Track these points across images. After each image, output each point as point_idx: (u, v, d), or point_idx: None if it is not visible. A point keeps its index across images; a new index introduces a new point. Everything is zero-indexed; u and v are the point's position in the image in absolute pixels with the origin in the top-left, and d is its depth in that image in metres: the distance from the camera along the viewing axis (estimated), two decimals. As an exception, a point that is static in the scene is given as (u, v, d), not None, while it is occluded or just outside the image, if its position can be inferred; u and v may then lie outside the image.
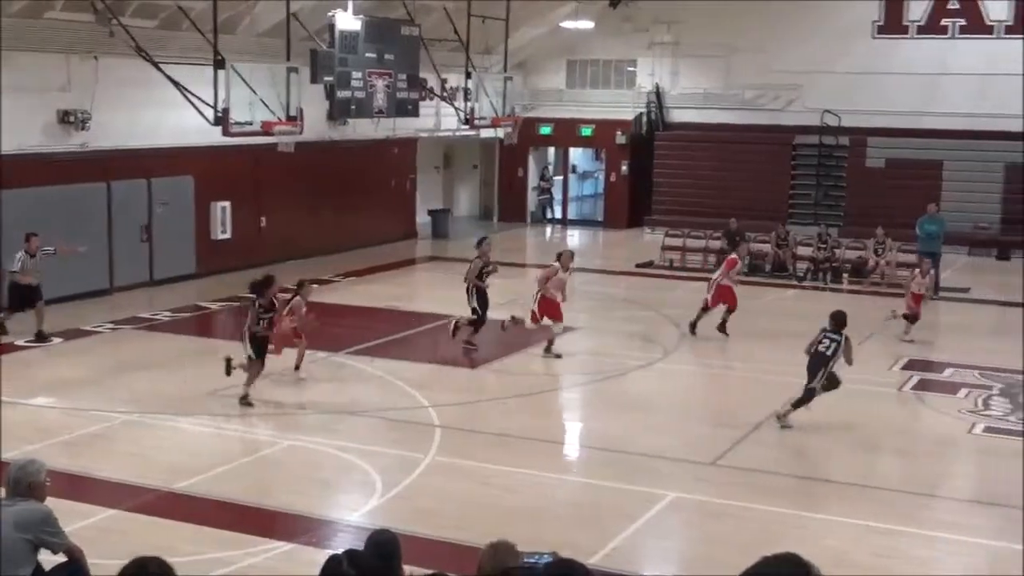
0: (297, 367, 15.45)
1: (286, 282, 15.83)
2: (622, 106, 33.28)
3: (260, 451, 12.90)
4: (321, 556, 5.78)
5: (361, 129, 25.21)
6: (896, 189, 28.45)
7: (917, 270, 19.55)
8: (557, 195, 36.12)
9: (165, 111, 20.66)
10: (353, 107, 21.93)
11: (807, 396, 13.55)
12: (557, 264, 17.36)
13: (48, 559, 7.05)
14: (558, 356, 17.06)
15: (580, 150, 38.26)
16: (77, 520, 9.31)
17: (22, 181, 19.09)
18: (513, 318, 17.42)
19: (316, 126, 23.50)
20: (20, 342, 17.20)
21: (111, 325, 18.81)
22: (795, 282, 24.51)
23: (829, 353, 13.49)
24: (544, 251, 30.89)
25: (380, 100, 22.45)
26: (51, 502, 7.12)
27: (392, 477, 11.63)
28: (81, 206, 20.46)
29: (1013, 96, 28.04)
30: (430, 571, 5.74)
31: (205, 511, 10.67)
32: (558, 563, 4.56)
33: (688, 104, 32.89)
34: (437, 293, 23.08)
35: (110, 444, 12.76)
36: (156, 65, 18.95)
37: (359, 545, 5.71)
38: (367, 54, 21.78)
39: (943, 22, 29.94)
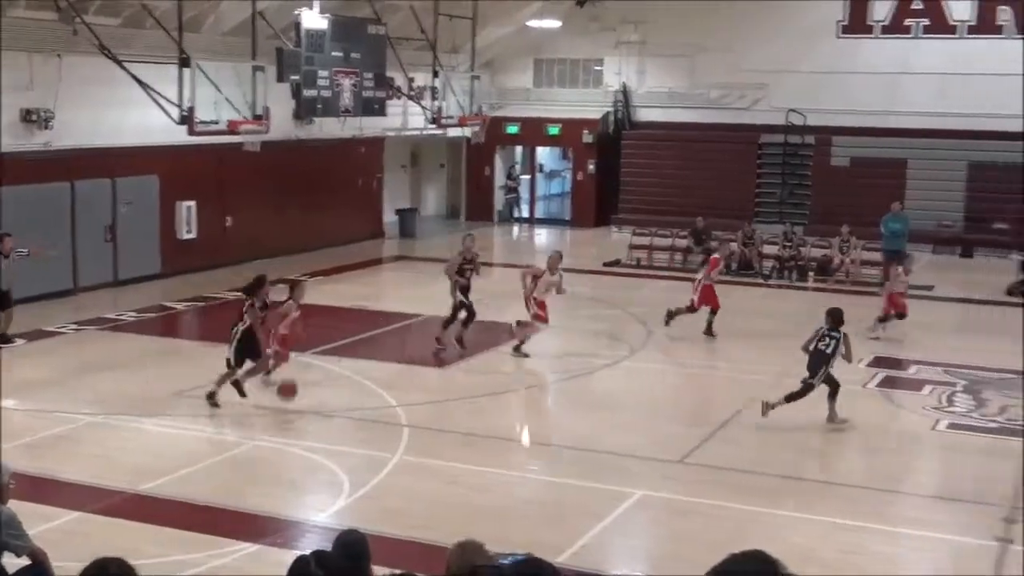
0: (268, 372, 15.34)
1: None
2: (589, 105, 33.33)
3: (226, 452, 12.80)
4: (288, 557, 5.74)
5: (328, 128, 25.11)
6: (861, 188, 28.63)
7: (900, 268, 19.70)
8: (524, 194, 36.19)
9: (129, 110, 20.45)
10: (319, 106, 21.88)
11: (803, 391, 13.58)
12: (544, 267, 17.38)
13: (11, 562, 6.98)
14: (526, 355, 17.08)
15: (547, 149, 38.37)
16: (40, 523, 9.21)
17: (-17, 181, 18.87)
18: (519, 323, 17.39)
19: (282, 125, 23.43)
20: (-19, 344, 17.03)
21: (75, 326, 18.65)
22: (761, 280, 24.65)
23: (829, 351, 13.54)
24: (511, 250, 31.01)
25: (347, 99, 22.41)
26: (14, 505, 7.06)
27: (360, 477, 11.60)
28: (44, 206, 20.23)
29: (976, 95, 28.30)
30: (399, 571, 5.71)
31: (171, 512, 10.59)
32: (526, 562, 4.55)
33: (655, 103, 32.99)
34: (404, 292, 23.08)
35: (74, 446, 12.65)
36: (120, 64, 18.75)
37: (327, 546, 5.68)
38: (333, 53, 21.73)
39: (907, 22, 30.17)
